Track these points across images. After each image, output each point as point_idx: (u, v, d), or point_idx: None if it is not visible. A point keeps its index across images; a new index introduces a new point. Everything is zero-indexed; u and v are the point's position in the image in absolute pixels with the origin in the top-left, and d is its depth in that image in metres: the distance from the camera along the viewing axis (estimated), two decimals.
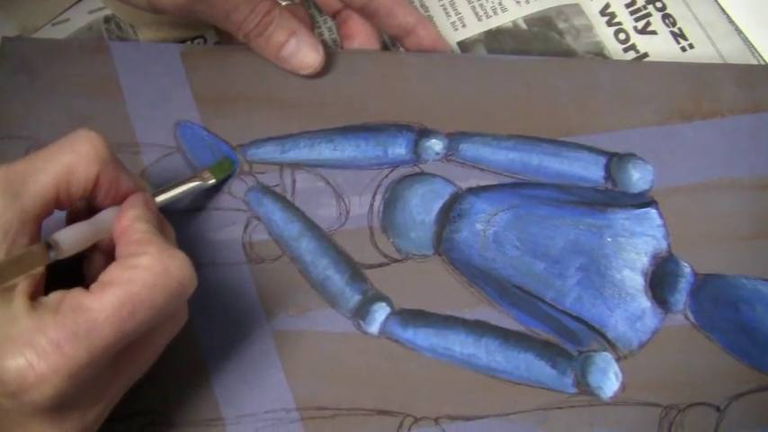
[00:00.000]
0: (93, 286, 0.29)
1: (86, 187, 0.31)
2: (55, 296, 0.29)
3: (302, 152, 0.42)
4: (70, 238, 0.31)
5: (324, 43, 0.42)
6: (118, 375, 0.31)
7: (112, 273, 0.29)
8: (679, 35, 0.46)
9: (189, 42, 0.46)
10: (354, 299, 0.39)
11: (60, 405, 0.28)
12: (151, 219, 0.33)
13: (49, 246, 0.30)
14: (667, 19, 0.47)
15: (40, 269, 0.29)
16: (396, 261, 0.40)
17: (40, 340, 0.27)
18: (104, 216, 0.33)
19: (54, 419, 0.29)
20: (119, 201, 0.33)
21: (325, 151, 0.42)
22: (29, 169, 0.30)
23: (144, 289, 0.29)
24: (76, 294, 0.28)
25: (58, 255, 0.30)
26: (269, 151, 0.42)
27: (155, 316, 0.29)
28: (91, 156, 0.31)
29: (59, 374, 0.27)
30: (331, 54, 0.43)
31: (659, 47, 0.46)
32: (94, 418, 0.31)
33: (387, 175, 0.41)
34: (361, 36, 0.44)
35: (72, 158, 0.31)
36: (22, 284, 0.29)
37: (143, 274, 0.29)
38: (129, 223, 0.32)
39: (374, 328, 0.39)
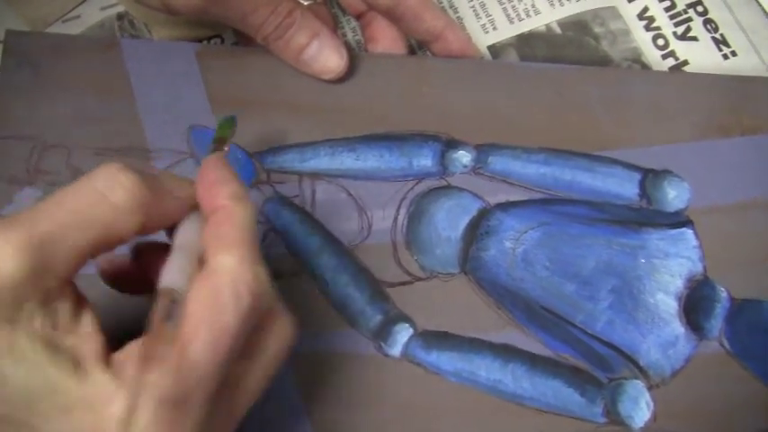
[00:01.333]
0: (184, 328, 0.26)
1: (129, 238, 0.27)
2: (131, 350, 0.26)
3: (323, 161, 0.40)
4: (184, 281, 0.27)
5: (347, 45, 0.40)
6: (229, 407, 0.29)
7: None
8: (721, 42, 0.44)
9: (205, 42, 0.44)
10: (375, 319, 0.38)
11: None
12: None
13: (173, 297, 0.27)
14: (709, 24, 0.44)
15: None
16: (419, 279, 0.39)
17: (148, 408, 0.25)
18: (187, 237, 0.30)
19: None
20: (167, 226, 0.30)
21: (347, 161, 0.40)
22: (57, 234, 0.25)
23: (225, 326, 0.26)
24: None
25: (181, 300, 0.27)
26: (288, 160, 0.40)
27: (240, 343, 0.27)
28: (131, 208, 0.26)
29: None
30: (354, 58, 0.40)
31: (700, 54, 0.44)
32: None
33: (411, 188, 0.40)
34: (386, 39, 0.41)
35: (109, 216, 0.26)
36: (93, 348, 0.26)
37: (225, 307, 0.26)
38: (220, 205, 0.29)
39: (396, 350, 0.37)
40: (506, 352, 0.37)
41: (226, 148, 0.33)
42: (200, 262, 0.28)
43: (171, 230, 0.31)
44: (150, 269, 0.31)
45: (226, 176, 0.30)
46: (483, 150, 0.40)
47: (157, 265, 0.30)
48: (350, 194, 0.39)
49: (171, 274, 0.27)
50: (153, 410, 0.25)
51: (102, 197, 0.26)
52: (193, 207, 0.30)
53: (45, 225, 0.25)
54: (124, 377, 0.25)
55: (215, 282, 0.27)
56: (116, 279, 0.32)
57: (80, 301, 0.27)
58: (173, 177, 0.30)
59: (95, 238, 0.26)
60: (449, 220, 0.39)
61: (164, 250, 0.30)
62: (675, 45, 0.44)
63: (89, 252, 0.26)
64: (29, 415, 0.24)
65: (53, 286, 0.25)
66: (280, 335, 0.30)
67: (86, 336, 0.26)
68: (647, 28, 0.44)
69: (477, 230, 0.39)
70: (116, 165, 0.27)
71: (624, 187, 0.40)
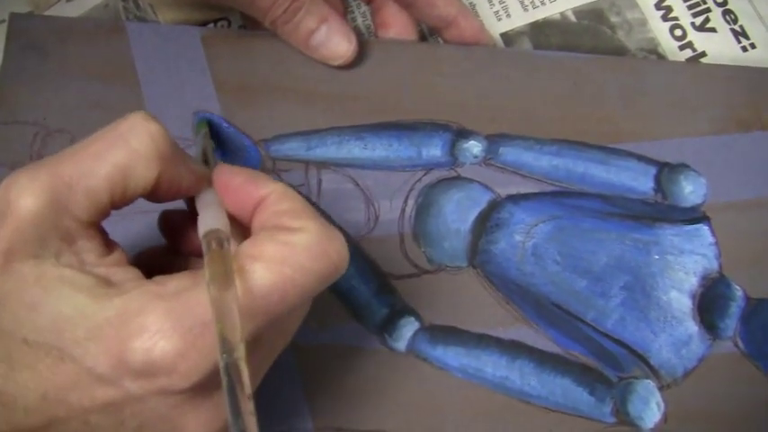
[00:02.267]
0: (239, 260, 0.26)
1: (145, 189, 0.27)
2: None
3: (330, 150, 0.39)
4: (225, 225, 0.27)
5: (357, 30, 0.39)
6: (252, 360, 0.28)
7: (263, 247, 0.26)
8: (740, 33, 0.43)
9: (211, 25, 0.43)
10: (381, 312, 0.37)
11: (200, 389, 0.25)
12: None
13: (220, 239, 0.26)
14: (728, 15, 0.43)
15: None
16: (427, 272, 0.38)
17: (185, 322, 0.24)
18: (212, 199, 0.29)
19: (193, 403, 0.25)
20: (179, 197, 0.29)
21: (355, 150, 0.39)
22: (76, 173, 0.25)
23: (298, 273, 0.25)
24: None
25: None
26: (294, 147, 0.39)
27: (302, 302, 0.26)
28: (150, 154, 0.26)
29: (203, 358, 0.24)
30: (364, 43, 0.39)
31: (718, 46, 0.43)
32: None
33: (420, 179, 0.39)
34: (397, 25, 0.40)
35: (127, 157, 0.26)
36: (124, 273, 0.26)
37: (300, 255, 0.26)
38: (267, 191, 0.28)
39: (401, 344, 0.37)
40: (514, 348, 0.37)
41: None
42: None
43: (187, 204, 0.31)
44: (174, 238, 0.31)
45: (251, 174, 0.29)
46: (494, 141, 0.39)
47: (181, 233, 0.31)
48: (357, 184, 0.39)
49: (209, 220, 0.27)
50: (191, 324, 0.24)
51: (123, 140, 0.26)
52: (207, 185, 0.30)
53: (65, 167, 0.25)
54: (162, 292, 0.24)
55: (302, 237, 0.26)
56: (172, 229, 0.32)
57: (109, 245, 0.27)
58: (188, 155, 0.30)
59: (111, 180, 0.26)
60: (458, 212, 0.38)
61: (186, 219, 0.31)
62: (693, 36, 0.43)
63: (106, 195, 0.26)
64: (58, 340, 0.24)
65: (73, 226, 0.25)
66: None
67: (116, 264, 0.26)
68: (665, 18, 0.43)
69: (486, 223, 0.38)
70: (144, 113, 0.27)
71: (639, 181, 0.38)
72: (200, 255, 0.30)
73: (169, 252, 0.32)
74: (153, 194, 0.28)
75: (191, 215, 0.30)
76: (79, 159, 0.26)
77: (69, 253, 0.25)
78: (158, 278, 0.26)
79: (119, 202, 0.27)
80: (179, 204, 0.31)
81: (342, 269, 0.27)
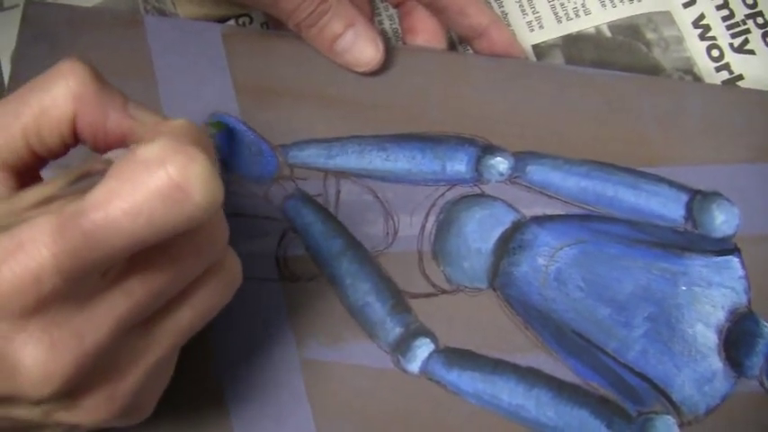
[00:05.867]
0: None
1: (62, 133, 0.26)
2: None
3: (350, 159, 0.37)
4: None
5: (383, 34, 0.37)
6: (151, 339, 0.24)
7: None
8: None
9: (233, 21, 0.42)
10: (395, 331, 0.36)
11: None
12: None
13: None
14: None
15: None
16: (445, 292, 0.36)
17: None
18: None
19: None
20: (112, 146, 0.27)
21: (376, 160, 0.37)
22: None
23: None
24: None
25: None
26: (313, 155, 0.37)
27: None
28: (64, 94, 0.26)
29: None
30: (390, 50, 0.38)
31: (756, 69, 0.41)
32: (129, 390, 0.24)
33: (443, 194, 0.37)
34: (426, 31, 0.39)
35: (43, 100, 0.26)
36: None
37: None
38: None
39: (415, 366, 0.35)
40: (532, 376, 0.35)
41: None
42: None
43: None
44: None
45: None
46: (521, 158, 0.37)
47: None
48: (376, 197, 0.37)
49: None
50: None
51: (43, 83, 0.26)
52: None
53: None
54: None
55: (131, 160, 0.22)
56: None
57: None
58: (142, 106, 0.28)
59: (25, 120, 0.26)
60: (480, 232, 0.37)
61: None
62: (731, 57, 0.41)
63: (20, 137, 0.26)
64: None
65: None
66: (225, 275, 0.26)
67: None
68: (702, 37, 0.41)
69: (509, 244, 0.37)
70: (76, 59, 0.26)
71: (669, 208, 0.37)
72: None
73: None
74: (84, 142, 0.27)
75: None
76: (1, 104, 0.26)
77: None
78: None
79: (38, 148, 0.26)
80: None
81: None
